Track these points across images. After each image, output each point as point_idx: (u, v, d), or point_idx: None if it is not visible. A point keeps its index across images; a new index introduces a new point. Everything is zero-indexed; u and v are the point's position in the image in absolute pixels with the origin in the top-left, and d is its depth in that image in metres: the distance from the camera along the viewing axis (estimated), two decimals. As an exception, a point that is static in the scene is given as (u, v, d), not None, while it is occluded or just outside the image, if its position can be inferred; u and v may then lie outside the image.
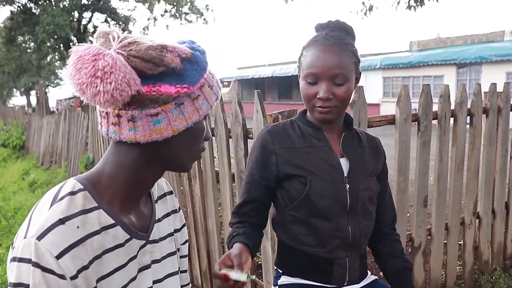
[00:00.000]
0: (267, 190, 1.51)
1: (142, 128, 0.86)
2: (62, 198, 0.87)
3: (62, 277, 0.80)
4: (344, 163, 1.49)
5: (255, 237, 1.48)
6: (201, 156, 1.03)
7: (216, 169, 2.92)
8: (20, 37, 25.41)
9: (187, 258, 1.23)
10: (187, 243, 1.23)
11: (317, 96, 1.40)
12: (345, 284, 1.52)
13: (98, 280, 0.87)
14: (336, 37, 1.41)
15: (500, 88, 3.20)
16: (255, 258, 2.42)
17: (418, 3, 7.64)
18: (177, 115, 0.87)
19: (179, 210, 1.20)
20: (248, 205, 1.51)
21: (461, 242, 3.31)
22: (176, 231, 1.16)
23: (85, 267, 0.84)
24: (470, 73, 17.65)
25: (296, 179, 1.47)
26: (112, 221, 0.91)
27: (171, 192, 1.18)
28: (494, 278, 3.33)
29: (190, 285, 1.27)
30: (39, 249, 0.79)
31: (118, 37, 0.83)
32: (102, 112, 0.89)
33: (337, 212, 1.46)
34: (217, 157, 2.86)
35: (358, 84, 1.58)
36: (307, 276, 1.53)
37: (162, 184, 1.16)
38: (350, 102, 1.60)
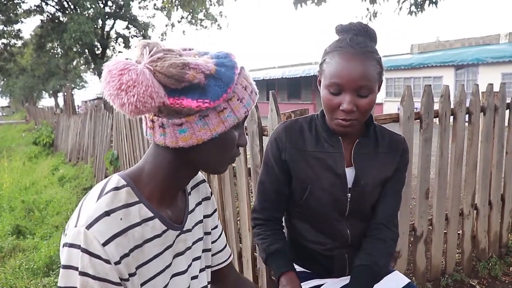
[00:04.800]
0: (284, 182, 1.46)
1: (170, 135, 0.88)
2: (107, 192, 0.90)
3: (107, 262, 0.83)
4: (349, 172, 1.40)
5: (285, 245, 1.47)
6: (235, 160, 1.04)
7: (233, 164, 2.93)
8: (49, 43, 25.70)
9: (221, 239, 1.26)
10: (218, 227, 1.25)
11: (340, 108, 1.26)
12: (345, 275, 1.51)
13: (138, 267, 0.91)
14: (361, 44, 1.26)
15: (496, 88, 3.19)
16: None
17: (418, 9, 7.58)
18: (202, 126, 0.87)
19: (211, 196, 1.22)
20: (270, 200, 1.49)
21: (460, 232, 3.32)
22: (207, 216, 1.19)
23: (126, 255, 0.87)
24: (467, 74, 17.44)
25: (299, 182, 1.42)
26: (151, 214, 0.94)
27: (203, 181, 1.20)
28: (490, 265, 3.32)
29: (232, 257, 1.30)
30: (87, 237, 0.83)
31: (151, 51, 0.84)
32: (143, 116, 0.92)
33: (335, 218, 1.43)
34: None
35: None
36: (310, 268, 1.53)
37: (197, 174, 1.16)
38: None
